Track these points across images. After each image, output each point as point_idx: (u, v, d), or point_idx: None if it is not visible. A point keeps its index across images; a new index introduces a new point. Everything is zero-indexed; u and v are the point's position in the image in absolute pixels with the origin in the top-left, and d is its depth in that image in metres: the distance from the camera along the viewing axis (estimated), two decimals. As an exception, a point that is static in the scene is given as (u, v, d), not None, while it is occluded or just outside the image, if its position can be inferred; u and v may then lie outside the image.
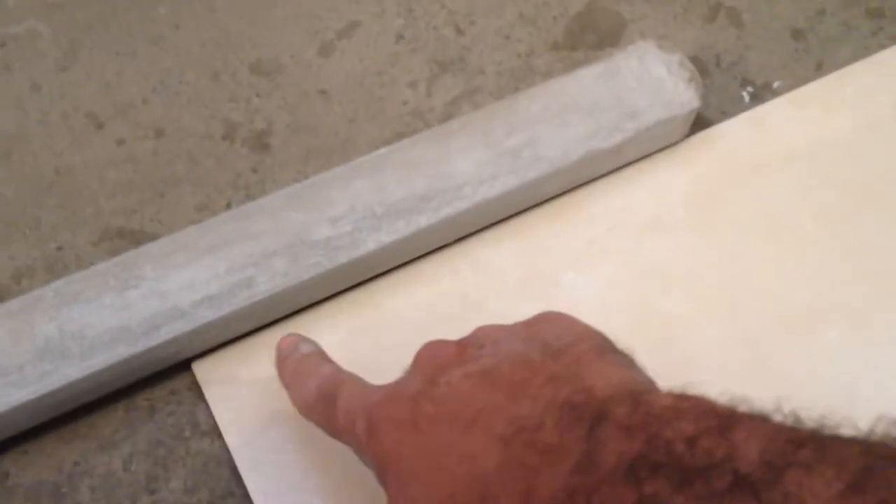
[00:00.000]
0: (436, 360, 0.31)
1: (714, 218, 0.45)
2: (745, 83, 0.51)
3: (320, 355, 0.37)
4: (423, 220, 0.42)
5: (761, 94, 0.51)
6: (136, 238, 0.46)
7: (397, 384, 0.31)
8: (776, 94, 0.51)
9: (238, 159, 0.48)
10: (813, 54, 0.52)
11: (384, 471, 0.29)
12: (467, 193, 0.43)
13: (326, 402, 0.34)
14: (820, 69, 0.51)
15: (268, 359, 0.41)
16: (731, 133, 0.48)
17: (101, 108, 0.50)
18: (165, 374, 0.43)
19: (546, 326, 0.32)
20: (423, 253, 0.45)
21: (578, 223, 0.45)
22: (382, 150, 0.44)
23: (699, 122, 0.49)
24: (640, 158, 0.47)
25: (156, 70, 0.51)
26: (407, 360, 0.33)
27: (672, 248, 0.45)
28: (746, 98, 0.51)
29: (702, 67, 0.51)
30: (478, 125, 0.45)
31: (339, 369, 0.36)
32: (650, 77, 0.46)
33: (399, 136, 0.49)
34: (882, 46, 0.52)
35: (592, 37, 0.53)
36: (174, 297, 0.40)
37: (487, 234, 0.45)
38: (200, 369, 0.42)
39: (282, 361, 0.38)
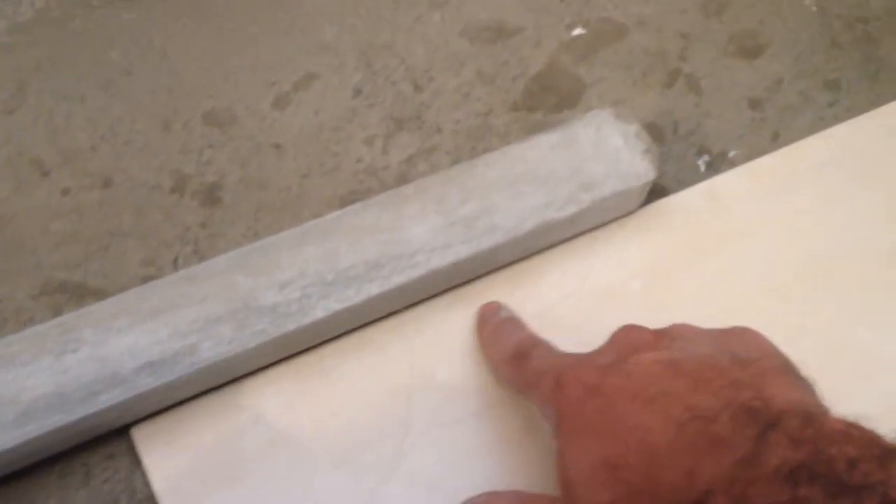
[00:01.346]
0: (631, 341, 0.34)
1: (669, 290, 0.45)
2: (701, 151, 0.51)
3: (518, 321, 0.42)
4: (373, 289, 0.42)
5: (717, 164, 0.51)
6: (78, 292, 0.45)
7: (590, 354, 0.35)
8: (732, 163, 0.51)
9: (187, 213, 0.47)
10: (769, 124, 0.52)
11: (561, 422, 0.33)
12: (420, 261, 0.42)
13: (520, 359, 0.38)
14: (776, 139, 0.52)
15: (210, 425, 0.41)
16: (687, 204, 0.48)
17: (47, 154, 0.49)
18: (104, 437, 0.41)
19: (738, 339, 0.34)
20: (372, 319, 0.44)
21: (532, 292, 0.45)
22: (334, 214, 0.44)
23: (655, 191, 0.49)
24: (596, 227, 0.47)
25: (105, 117, 0.50)
26: (351, 428, 0.38)
27: (627, 320, 0.44)
28: (702, 167, 0.51)
29: (659, 134, 0.51)
30: (432, 191, 0.44)
31: (534, 333, 0.40)
32: (607, 147, 0.46)
33: (353, 194, 0.48)
34: (838, 118, 0.52)
35: (551, 98, 0.52)
36: (114, 363, 0.39)
37: (439, 301, 0.45)
38: (139, 434, 0.41)
39: (482, 322, 0.43)
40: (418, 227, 0.43)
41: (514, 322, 0.42)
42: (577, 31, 0.55)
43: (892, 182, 0.48)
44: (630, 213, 0.47)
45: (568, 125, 0.47)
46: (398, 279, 0.42)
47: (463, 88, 0.52)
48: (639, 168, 0.45)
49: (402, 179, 0.49)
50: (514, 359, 0.39)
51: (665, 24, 0.55)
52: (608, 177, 0.45)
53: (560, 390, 0.33)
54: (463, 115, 0.52)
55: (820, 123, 0.52)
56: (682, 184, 0.50)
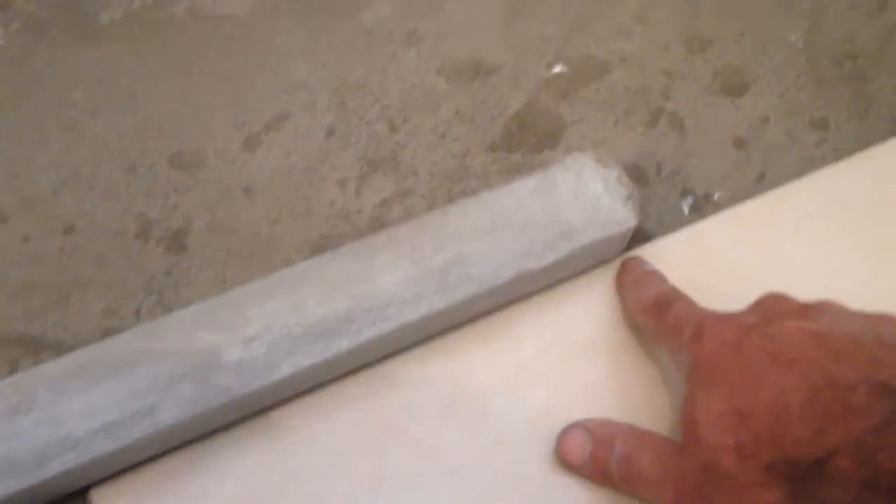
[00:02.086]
0: (778, 306, 0.36)
1: (648, 341, 0.43)
2: (685, 193, 0.50)
3: (661, 274, 0.43)
4: (343, 343, 0.40)
5: (701, 206, 0.49)
6: (35, 346, 0.43)
7: (733, 313, 0.37)
8: (717, 206, 0.49)
9: (151, 260, 0.46)
10: (755, 164, 0.51)
11: (695, 370, 0.35)
12: (391, 314, 0.41)
13: (661, 307, 0.40)
14: (762, 181, 0.50)
15: (172, 486, 0.39)
16: (670, 250, 0.46)
17: (7, 199, 0.47)
18: (61, 500, 0.39)
19: (886, 325, 0.34)
20: (342, 374, 0.42)
21: (509, 344, 0.43)
22: (303, 264, 0.42)
23: (638, 234, 0.47)
24: (576, 274, 0.45)
25: (68, 160, 0.48)
26: (321, 487, 0.39)
27: (607, 373, 0.43)
28: (686, 209, 0.49)
29: (642, 175, 0.50)
30: (405, 239, 0.42)
31: (676, 287, 0.42)
32: (587, 193, 0.44)
33: (325, 239, 0.47)
34: (825, 158, 0.51)
35: (531, 138, 0.51)
36: (69, 425, 0.37)
37: (411, 355, 0.43)
38: (98, 497, 0.39)
39: (626, 272, 0.44)
40: (390, 277, 0.42)
41: (657, 275, 0.43)
42: (558, 69, 0.53)
43: (879, 229, 0.46)
44: (611, 259, 0.46)
45: (547, 170, 0.45)
46: (369, 333, 0.40)
47: (440, 128, 0.51)
48: (620, 215, 0.44)
49: (376, 223, 0.47)
50: (654, 306, 0.40)
51: (648, 61, 0.54)
52: (588, 224, 0.43)
53: (698, 340, 0.36)
54: (439, 156, 0.50)
55: (807, 164, 0.51)
56: (666, 226, 0.48)
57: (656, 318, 0.40)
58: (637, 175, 0.50)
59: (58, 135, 0.49)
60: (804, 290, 0.44)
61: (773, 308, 0.36)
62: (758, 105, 0.53)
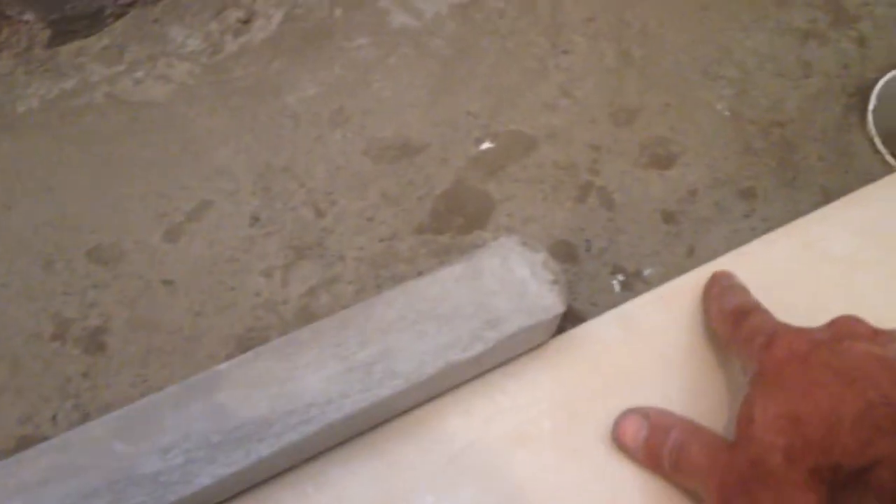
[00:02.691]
0: (850, 328, 0.38)
1: (582, 428, 0.43)
2: (615, 271, 0.49)
3: (746, 289, 0.44)
4: (263, 449, 0.39)
5: (632, 283, 0.49)
6: (-54, 458, 0.41)
7: (806, 328, 0.38)
8: (647, 282, 0.49)
9: (68, 362, 0.44)
10: (684, 239, 0.50)
11: (761, 374, 0.37)
12: (314, 415, 0.40)
13: (739, 315, 0.42)
14: (691, 255, 0.50)
15: None
16: (600, 333, 0.46)
17: (-83, 302, 0.45)
18: None
19: None
20: (265, 479, 0.41)
21: (437, 439, 0.42)
22: (223, 366, 0.41)
23: (569, 315, 0.47)
24: (506, 362, 0.44)
25: (-19, 258, 0.47)
26: None
27: (538, 465, 0.42)
28: (617, 287, 0.49)
29: (572, 252, 0.50)
30: (328, 335, 0.41)
31: (758, 301, 0.43)
32: (513, 279, 0.43)
33: (250, 332, 0.45)
34: (754, 229, 0.51)
35: (459, 219, 0.50)
36: (-25, 550, 0.36)
37: (337, 453, 0.42)
38: None
39: (714, 283, 0.46)
40: (314, 376, 0.40)
41: (743, 288, 0.45)
42: (486, 146, 0.53)
43: (809, 300, 0.46)
44: (541, 345, 0.45)
45: (472, 256, 0.44)
46: (291, 437, 0.39)
47: (367, 212, 0.50)
48: (546, 301, 0.43)
49: (303, 313, 0.46)
50: (734, 315, 0.42)
51: (575, 135, 0.54)
52: (515, 312, 0.43)
53: (768, 349, 0.38)
54: (367, 240, 0.49)
55: (735, 236, 0.51)
56: (597, 306, 0.48)
57: (733, 325, 0.42)
58: (567, 252, 0.50)
59: (-30, 232, 0.48)
60: (734, 368, 0.43)
61: (845, 329, 0.38)
62: (686, 177, 0.53)
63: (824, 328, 0.38)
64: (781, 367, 0.37)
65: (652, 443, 0.40)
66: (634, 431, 0.41)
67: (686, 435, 0.39)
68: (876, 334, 0.37)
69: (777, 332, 0.38)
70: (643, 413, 0.42)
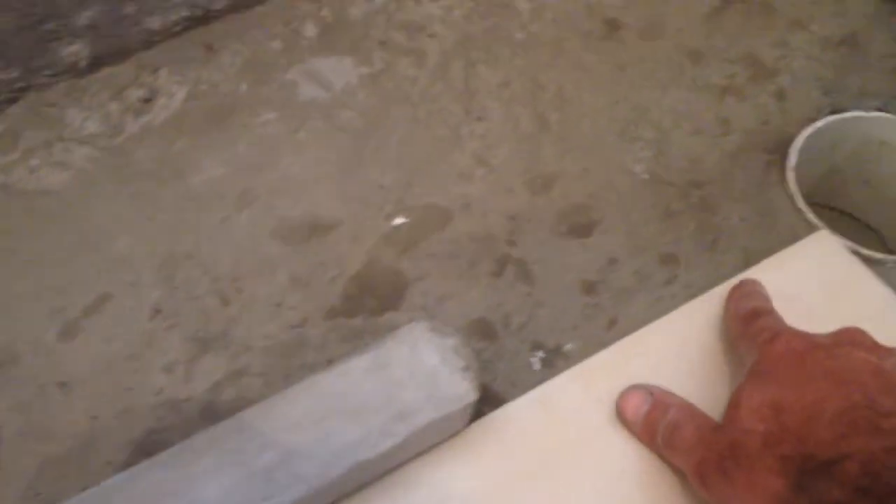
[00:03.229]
0: (853, 337, 0.39)
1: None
2: (535, 347, 0.48)
3: (767, 297, 0.46)
4: (157, 570, 0.36)
5: (552, 360, 0.47)
6: None
7: (810, 333, 0.40)
8: (567, 358, 0.47)
9: (-46, 479, 0.41)
10: (605, 310, 0.49)
11: (756, 366, 0.39)
12: (212, 529, 0.37)
13: (753, 317, 0.43)
14: (612, 327, 0.48)
15: None
16: (519, 417, 0.44)
17: None
18: None
19: None
20: None
21: (349, 542, 0.40)
22: (113, 480, 0.38)
23: (488, 397, 0.45)
24: (420, 453, 0.42)
25: None
26: None
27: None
28: (537, 365, 0.47)
29: (490, 330, 0.48)
30: (227, 441, 0.39)
31: (773, 308, 0.44)
32: (422, 368, 0.42)
33: (151, 435, 0.43)
34: (675, 296, 0.50)
35: (371, 300, 0.48)
36: None
37: (243, 566, 0.39)
38: None
39: (738, 287, 0.47)
40: (212, 485, 0.38)
41: (762, 296, 0.46)
42: (398, 221, 0.51)
43: (731, 368, 0.45)
44: (457, 433, 0.43)
45: (380, 345, 0.42)
46: (187, 555, 0.37)
47: (274, 297, 0.48)
48: (458, 389, 0.41)
49: (208, 411, 0.44)
50: (748, 315, 0.44)
51: (491, 205, 0.52)
52: (425, 403, 0.41)
53: (770, 343, 0.40)
54: (275, 328, 0.47)
55: (657, 304, 0.49)
56: (516, 386, 0.46)
57: (745, 324, 0.43)
58: (484, 330, 0.48)
59: None
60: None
61: (847, 337, 0.39)
62: (605, 245, 0.51)
63: (829, 335, 0.40)
64: (777, 361, 0.38)
65: (651, 418, 0.42)
66: (637, 406, 0.43)
67: (683, 414, 0.41)
68: (877, 347, 0.39)
69: (781, 332, 0.40)
70: (648, 390, 0.43)
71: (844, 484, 0.33)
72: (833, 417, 0.34)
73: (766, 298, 0.46)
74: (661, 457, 0.42)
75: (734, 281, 0.48)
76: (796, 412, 0.35)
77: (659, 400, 0.43)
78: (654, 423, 0.42)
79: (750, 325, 0.43)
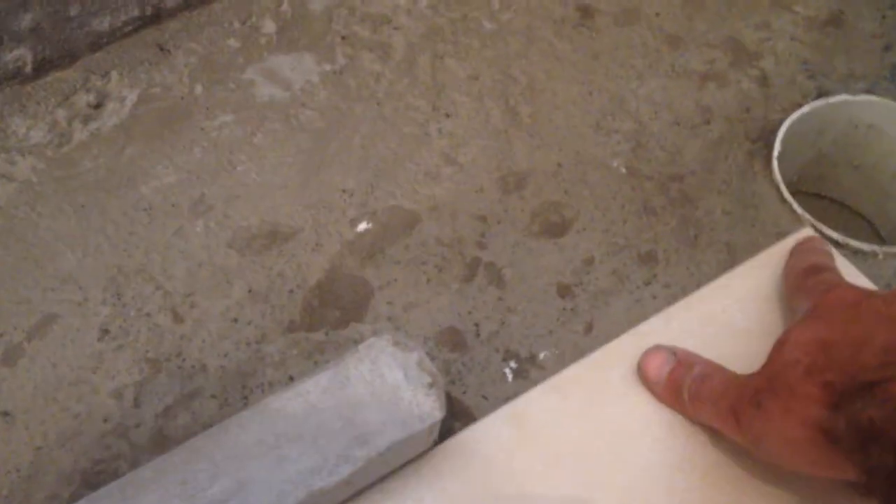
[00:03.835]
0: None
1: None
2: (507, 356, 0.45)
3: (828, 253, 0.46)
4: None
5: (526, 370, 0.44)
6: None
7: (866, 288, 0.40)
8: (542, 368, 0.45)
9: None
10: (581, 314, 0.46)
11: (810, 311, 0.39)
12: (157, 569, 0.35)
13: (812, 271, 0.43)
14: (590, 332, 0.46)
15: None
16: (490, 435, 0.41)
17: None
18: None
19: None
20: None
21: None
22: (52, 519, 0.35)
23: (457, 413, 0.42)
24: (385, 477, 0.40)
25: None
26: None
27: None
28: (510, 376, 0.44)
29: (459, 339, 0.45)
30: (175, 471, 0.37)
31: (834, 264, 0.45)
32: (384, 385, 0.39)
33: (97, 465, 0.41)
34: (655, 297, 0.47)
35: (334, 312, 0.46)
36: None
37: None
38: None
39: (802, 242, 0.47)
40: (157, 521, 0.35)
41: (827, 253, 0.46)
42: (363, 226, 0.49)
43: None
44: (424, 454, 0.40)
45: (339, 362, 0.40)
46: None
47: (231, 312, 0.45)
48: (423, 408, 0.39)
49: (159, 437, 0.42)
50: (808, 269, 0.43)
51: (460, 206, 0.49)
52: (387, 423, 0.38)
53: (825, 294, 0.39)
54: (231, 345, 0.44)
55: (637, 306, 0.47)
56: (488, 399, 0.44)
57: (804, 277, 0.43)
58: (454, 339, 0.45)
59: None
60: (635, 468, 0.39)
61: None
62: (581, 244, 0.49)
63: (880, 292, 0.40)
64: (830, 307, 0.38)
65: (675, 375, 0.41)
66: (659, 366, 0.42)
67: (710, 368, 0.41)
68: None
69: (840, 284, 0.41)
70: (671, 350, 0.42)
71: (886, 402, 0.32)
72: (882, 347, 0.34)
73: (830, 255, 0.46)
74: (686, 415, 0.41)
75: (721, 281, 0.46)
76: (844, 345, 0.35)
77: (683, 358, 0.42)
78: (679, 379, 0.41)
79: (809, 278, 0.43)
